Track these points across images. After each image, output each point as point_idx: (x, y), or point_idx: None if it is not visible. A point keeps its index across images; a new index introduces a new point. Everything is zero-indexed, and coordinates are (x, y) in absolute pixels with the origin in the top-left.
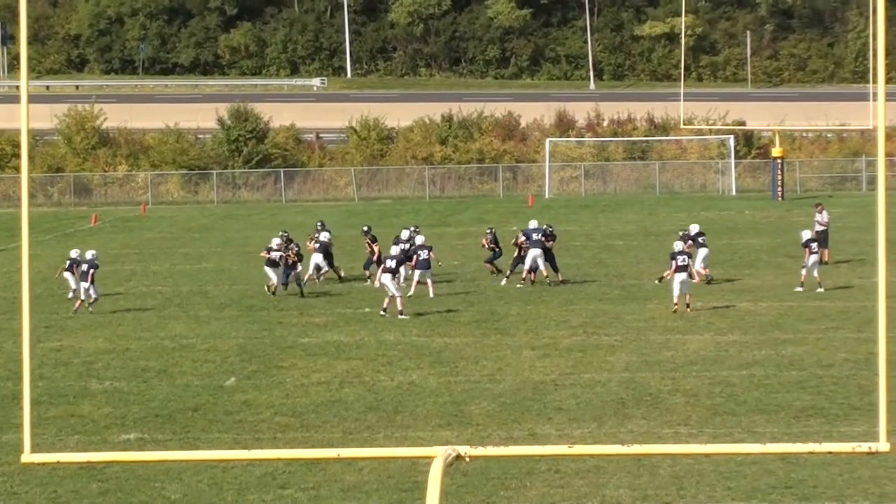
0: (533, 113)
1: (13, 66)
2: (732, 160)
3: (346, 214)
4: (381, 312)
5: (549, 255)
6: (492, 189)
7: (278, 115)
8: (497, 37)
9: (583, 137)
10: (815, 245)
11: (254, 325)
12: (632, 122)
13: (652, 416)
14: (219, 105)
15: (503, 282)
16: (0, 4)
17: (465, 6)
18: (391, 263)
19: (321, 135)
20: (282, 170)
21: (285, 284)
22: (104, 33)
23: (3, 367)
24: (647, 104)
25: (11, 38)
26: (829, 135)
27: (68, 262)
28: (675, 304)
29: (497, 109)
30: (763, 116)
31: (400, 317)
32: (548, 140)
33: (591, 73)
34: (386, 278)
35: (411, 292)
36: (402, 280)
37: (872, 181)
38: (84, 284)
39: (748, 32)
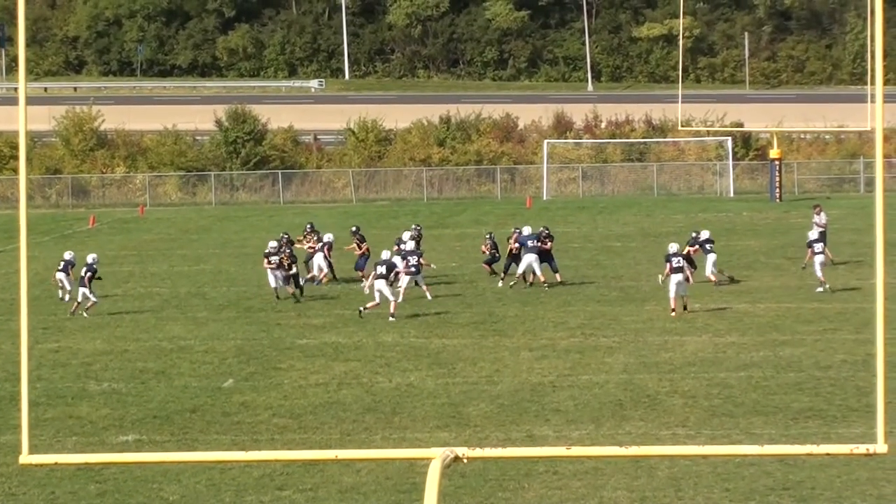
0: (531, 114)
1: (11, 67)
2: (730, 162)
3: (344, 216)
4: (361, 310)
5: (548, 257)
6: (490, 190)
7: (276, 117)
8: (495, 38)
9: (581, 139)
10: (818, 245)
11: (252, 327)
12: (630, 124)
13: (650, 418)
14: (217, 107)
15: (500, 283)
16: None
17: (463, 8)
18: (382, 269)
19: (319, 136)
20: (280, 171)
21: (286, 286)
22: (102, 35)
23: (2, 369)
24: (645, 106)
25: (9, 40)
26: (827, 136)
27: (62, 263)
28: (673, 307)
29: (495, 111)
30: (761, 118)
31: (390, 319)
32: (546, 142)
33: (589, 75)
34: (380, 283)
35: (401, 299)
36: (402, 285)
37: (870, 183)
38: (83, 289)
39: (746, 34)
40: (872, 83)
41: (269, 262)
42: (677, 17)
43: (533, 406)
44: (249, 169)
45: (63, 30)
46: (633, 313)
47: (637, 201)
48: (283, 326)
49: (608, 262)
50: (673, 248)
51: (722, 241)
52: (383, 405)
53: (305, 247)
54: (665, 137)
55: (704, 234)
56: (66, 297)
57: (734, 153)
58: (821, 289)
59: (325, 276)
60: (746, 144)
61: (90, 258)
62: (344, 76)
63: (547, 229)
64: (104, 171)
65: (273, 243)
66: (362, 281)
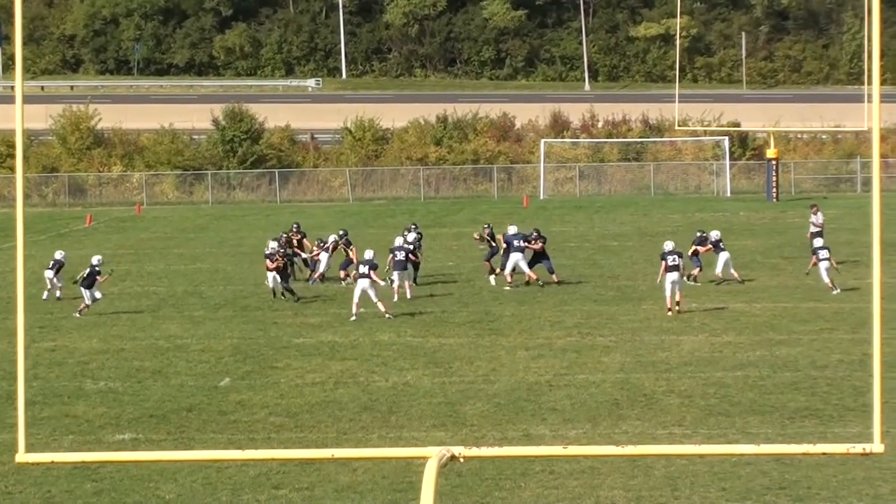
0: (528, 114)
1: (8, 66)
2: (727, 161)
3: (341, 215)
4: (353, 317)
5: (542, 257)
6: (486, 190)
7: (273, 116)
8: (492, 38)
9: (578, 138)
10: (823, 252)
11: (248, 326)
12: (627, 124)
13: (646, 417)
14: (214, 106)
15: (492, 280)
16: None
17: (460, 7)
18: (364, 269)
19: (316, 135)
20: (277, 170)
21: (288, 290)
22: (99, 34)
23: None
24: (642, 105)
25: (6, 39)
26: (824, 136)
27: (52, 262)
28: (669, 307)
29: (492, 110)
30: (758, 118)
31: (386, 316)
32: (543, 141)
33: (586, 75)
34: (364, 283)
35: (395, 298)
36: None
37: (867, 183)
38: (88, 292)
39: (743, 34)
40: (869, 83)
41: (271, 263)
42: (674, 16)
43: (529, 405)
44: (246, 168)
45: (60, 28)
46: (629, 313)
47: (634, 201)
48: (279, 325)
49: (605, 262)
50: (668, 246)
51: None
52: (380, 404)
53: (312, 254)
54: (662, 137)
55: (715, 235)
56: (59, 295)
57: (731, 153)
58: (836, 291)
59: (320, 274)
60: (743, 144)
61: (95, 259)
62: (341, 75)
63: (537, 231)
64: (101, 169)
65: (273, 244)
66: (344, 280)
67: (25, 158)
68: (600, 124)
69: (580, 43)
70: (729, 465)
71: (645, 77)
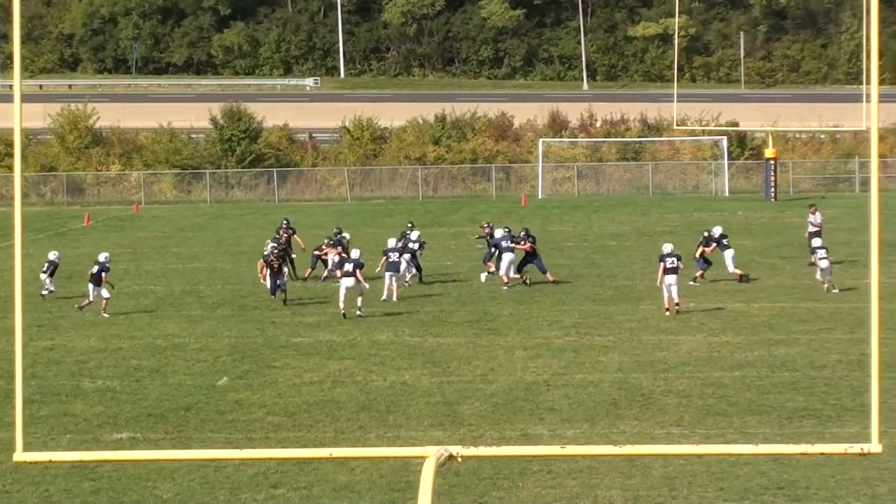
0: (526, 113)
1: (6, 65)
2: (725, 161)
3: (339, 214)
4: (343, 314)
5: (534, 257)
6: (485, 189)
7: (271, 115)
8: (490, 37)
9: (576, 138)
10: (822, 252)
11: (246, 325)
12: (625, 123)
13: (644, 417)
14: (212, 105)
15: (483, 277)
16: None
17: (458, 6)
18: (349, 267)
19: (314, 135)
20: (275, 169)
21: (282, 289)
22: (97, 33)
23: None
24: (641, 105)
25: (4, 37)
26: (823, 136)
27: (46, 264)
28: (667, 307)
29: (490, 110)
30: (756, 117)
31: (357, 313)
32: (541, 140)
33: (585, 74)
34: (349, 281)
35: (384, 297)
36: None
37: (865, 182)
38: (96, 289)
39: (741, 33)
40: (868, 83)
41: (269, 264)
42: (673, 16)
43: (527, 405)
44: (244, 167)
45: (58, 27)
46: (627, 312)
47: (632, 200)
48: (277, 324)
49: (603, 261)
50: (667, 248)
51: None
52: (378, 403)
53: (325, 253)
54: (660, 137)
55: (717, 231)
56: (50, 289)
57: (729, 152)
58: (835, 290)
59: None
60: (742, 144)
61: (102, 257)
62: (339, 74)
63: (526, 230)
64: (99, 168)
65: (271, 245)
66: (332, 277)
67: (24, 157)
68: (598, 124)
69: (578, 42)
70: (727, 464)
71: (643, 77)
